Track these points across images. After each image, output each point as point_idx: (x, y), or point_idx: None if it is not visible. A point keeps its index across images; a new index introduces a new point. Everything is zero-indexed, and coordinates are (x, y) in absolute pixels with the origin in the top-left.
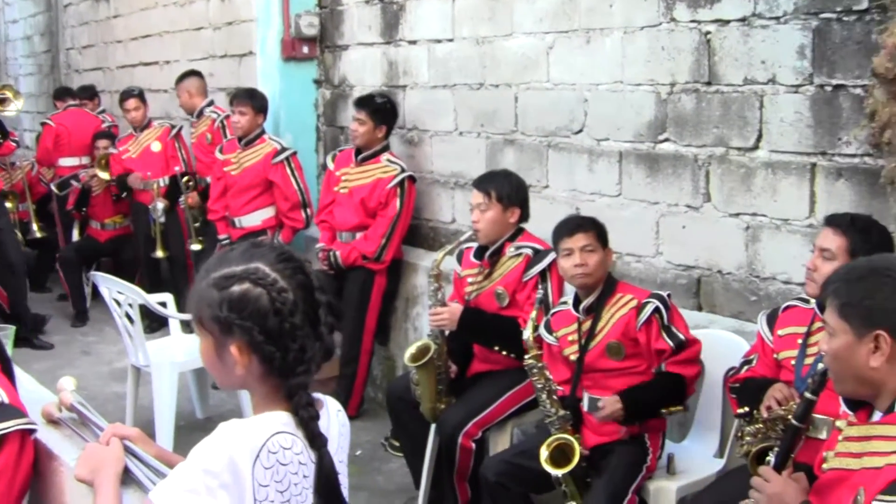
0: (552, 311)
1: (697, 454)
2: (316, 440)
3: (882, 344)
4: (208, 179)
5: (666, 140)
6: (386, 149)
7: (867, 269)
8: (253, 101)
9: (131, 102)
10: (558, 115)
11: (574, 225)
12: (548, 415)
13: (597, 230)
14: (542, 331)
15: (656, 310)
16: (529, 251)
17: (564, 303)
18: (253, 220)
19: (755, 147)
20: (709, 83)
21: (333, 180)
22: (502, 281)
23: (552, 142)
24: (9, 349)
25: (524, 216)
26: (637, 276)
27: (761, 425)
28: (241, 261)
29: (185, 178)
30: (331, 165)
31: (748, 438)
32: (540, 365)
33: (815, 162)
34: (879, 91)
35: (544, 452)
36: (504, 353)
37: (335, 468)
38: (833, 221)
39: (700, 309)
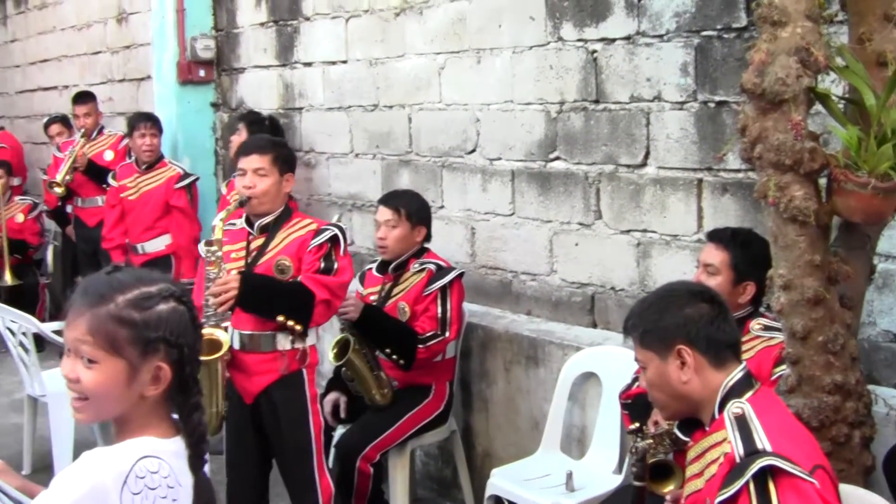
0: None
1: (597, 471)
2: (198, 461)
3: (685, 356)
4: None
5: (557, 158)
6: None
7: (654, 296)
8: (160, 124)
9: (54, 128)
10: (451, 136)
11: (252, 145)
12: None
13: (275, 153)
14: (201, 248)
15: (334, 238)
16: (433, 266)
17: (233, 224)
18: (157, 245)
19: (643, 164)
20: (597, 101)
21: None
22: (405, 296)
23: (446, 162)
24: None
25: (428, 236)
26: (532, 294)
27: (651, 440)
28: (144, 282)
29: None
30: (224, 191)
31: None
32: (220, 254)
33: (702, 178)
34: (749, 106)
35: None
36: (394, 357)
37: (213, 491)
38: (715, 236)
39: (595, 326)
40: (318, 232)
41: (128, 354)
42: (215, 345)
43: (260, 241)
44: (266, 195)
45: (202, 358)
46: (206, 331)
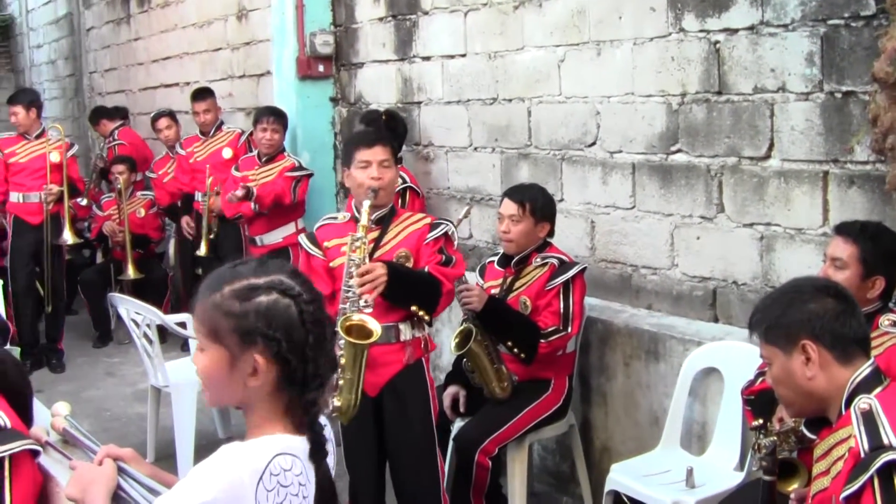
0: (319, 224)
1: (718, 467)
2: (319, 455)
3: (810, 352)
4: None
5: (678, 151)
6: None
7: (778, 292)
8: (283, 119)
9: (162, 122)
10: (571, 129)
11: (374, 137)
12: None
13: (393, 147)
14: (304, 240)
15: (447, 232)
16: (555, 261)
17: (333, 218)
18: (274, 237)
19: (767, 156)
20: (719, 93)
21: None
22: (527, 290)
23: (566, 155)
24: None
25: (551, 232)
26: (653, 288)
27: (776, 437)
28: (259, 273)
29: None
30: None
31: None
32: (367, 240)
33: (828, 170)
34: (881, 96)
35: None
36: (515, 350)
37: (333, 483)
38: (843, 230)
39: (716, 320)
40: (432, 226)
41: (228, 343)
42: (365, 332)
43: (374, 234)
44: (391, 186)
45: (353, 341)
46: (357, 317)
